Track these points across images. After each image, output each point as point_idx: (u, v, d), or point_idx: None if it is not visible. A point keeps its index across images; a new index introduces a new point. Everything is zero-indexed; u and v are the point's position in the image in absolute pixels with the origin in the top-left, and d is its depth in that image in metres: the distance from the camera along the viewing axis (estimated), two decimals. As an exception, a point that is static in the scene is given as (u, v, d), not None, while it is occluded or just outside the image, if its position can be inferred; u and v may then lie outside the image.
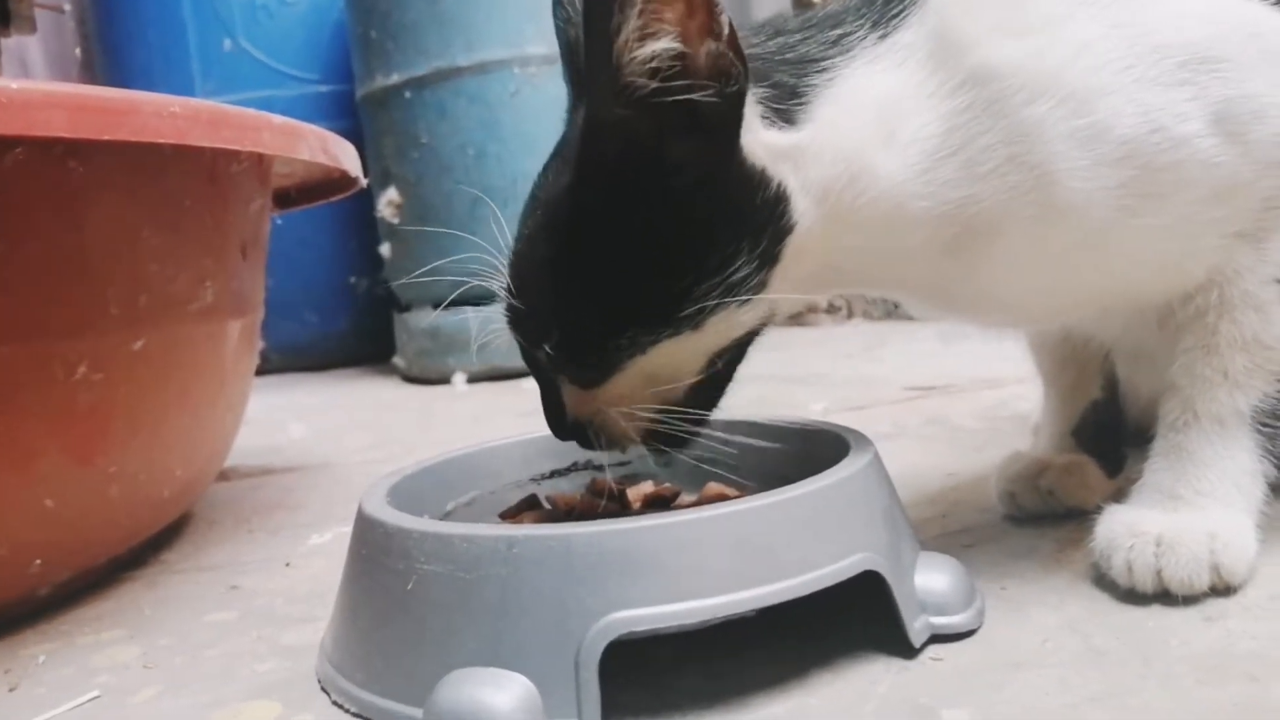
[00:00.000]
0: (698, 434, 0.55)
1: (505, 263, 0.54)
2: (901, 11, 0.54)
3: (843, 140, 0.52)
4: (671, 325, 0.51)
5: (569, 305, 0.52)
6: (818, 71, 0.53)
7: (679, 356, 0.52)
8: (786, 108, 0.52)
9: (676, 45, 0.46)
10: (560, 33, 0.58)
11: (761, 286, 0.52)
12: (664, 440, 0.55)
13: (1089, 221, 0.53)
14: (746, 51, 0.50)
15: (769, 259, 0.51)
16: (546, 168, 0.55)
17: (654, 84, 0.47)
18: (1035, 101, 0.51)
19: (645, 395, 0.53)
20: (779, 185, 0.51)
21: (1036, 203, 0.52)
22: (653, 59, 0.46)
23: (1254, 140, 0.52)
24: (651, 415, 0.54)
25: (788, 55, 0.53)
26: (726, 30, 0.47)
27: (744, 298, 0.51)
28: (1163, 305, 0.59)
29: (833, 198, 0.52)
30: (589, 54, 0.47)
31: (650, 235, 0.50)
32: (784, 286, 0.53)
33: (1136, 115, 0.51)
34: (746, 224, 0.50)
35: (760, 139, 0.51)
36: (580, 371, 0.53)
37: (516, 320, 0.55)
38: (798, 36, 0.55)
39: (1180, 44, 0.52)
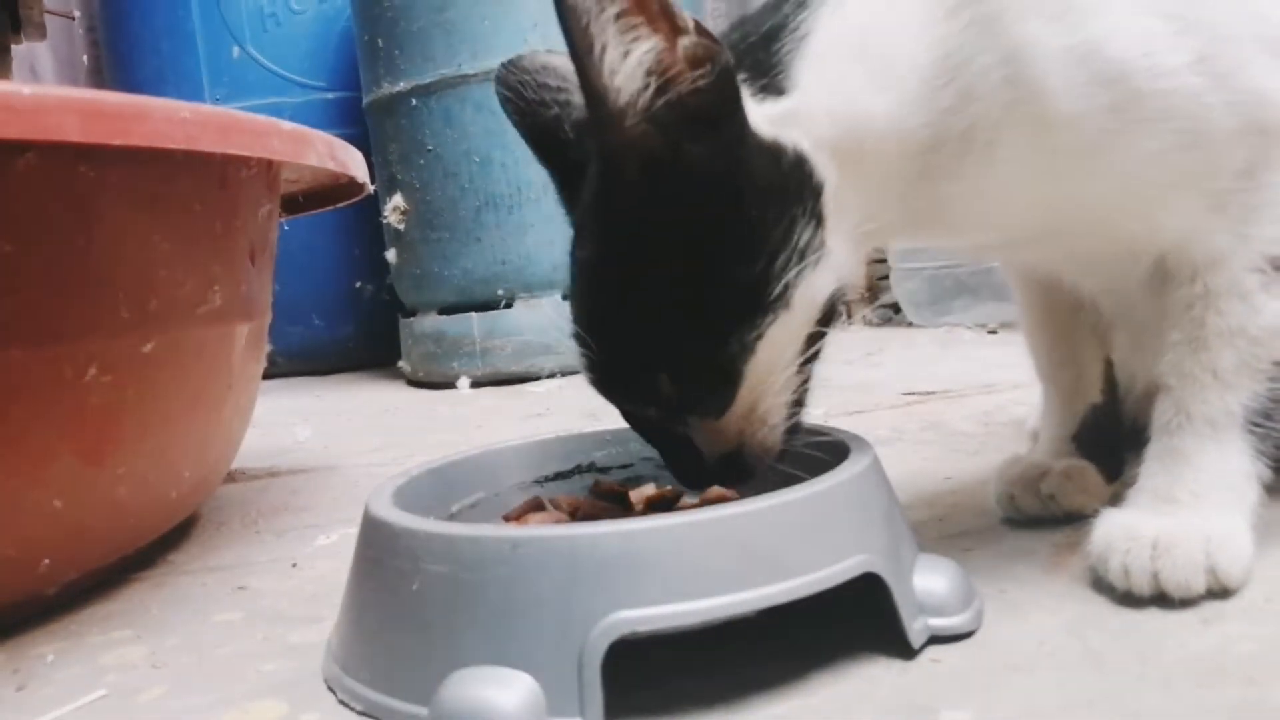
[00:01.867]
0: (799, 432, 0.55)
1: (579, 339, 0.54)
2: None
3: (830, 96, 0.53)
4: (769, 310, 0.51)
5: (670, 340, 0.51)
6: (786, 34, 0.53)
7: (784, 342, 0.52)
8: (770, 81, 0.53)
9: (656, 42, 0.47)
10: (519, 127, 0.60)
11: (822, 247, 0.52)
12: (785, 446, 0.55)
13: (1080, 138, 0.53)
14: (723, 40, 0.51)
15: (817, 218, 0.52)
16: (574, 245, 0.55)
17: (650, 87, 0.48)
18: (1027, 18, 0.52)
19: (769, 398, 0.53)
20: (795, 148, 0.52)
21: (1029, 117, 0.53)
22: (640, 65, 0.47)
23: (1237, 89, 0.53)
24: (785, 411, 0.54)
25: (755, 35, 0.54)
26: (691, 24, 0.48)
27: (814, 259, 0.52)
28: (1146, 255, 0.59)
29: (843, 150, 0.53)
30: (587, 88, 0.48)
31: (709, 235, 0.50)
32: (842, 247, 0.54)
33: (1129, 37, 0.52)
34: (785, 191, 0.51)
35: (758, 114, 0.52)
36: (708, 399, 0.53)
37: (616, 384, 0.54)
38: (764, 14, 0.56)
39: None
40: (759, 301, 0.51)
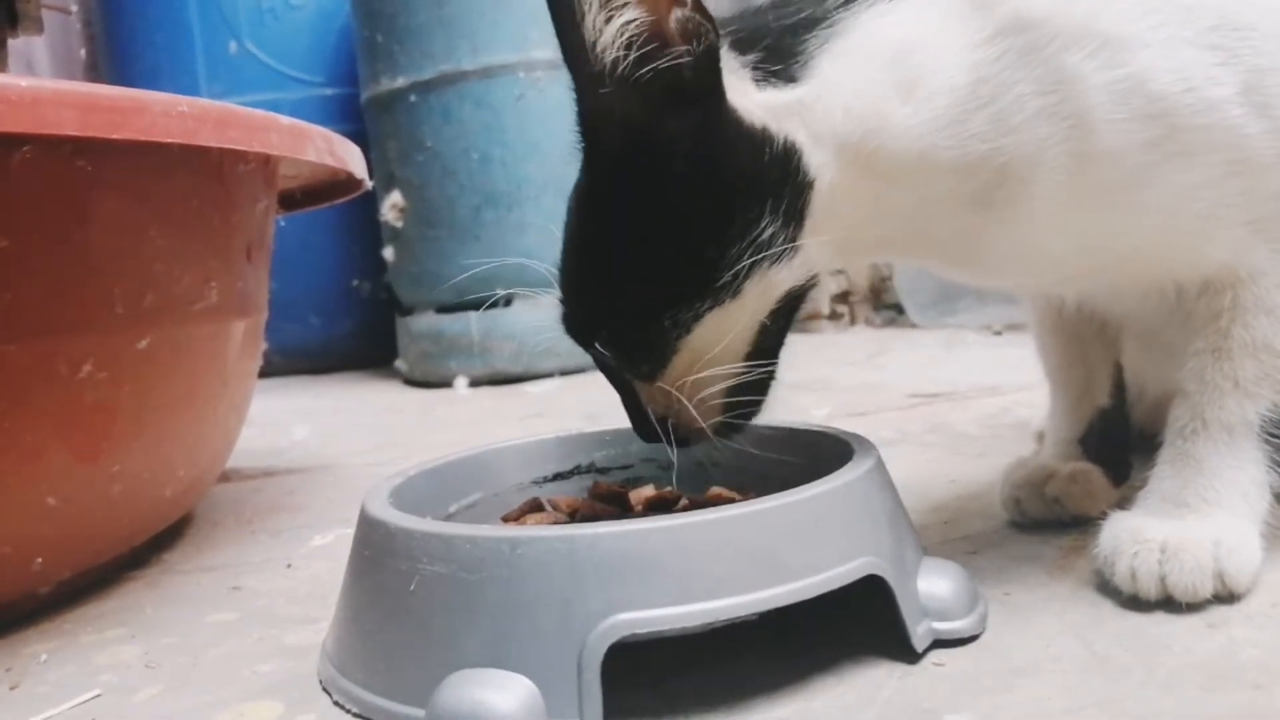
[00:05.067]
0: (760, 406, 0.55)
1: (555, 277, 0.56)
2: None
3: (851, 96, 0.51)
4: (710, 296, 0.51)
5: (610, 299, 0.53)
6: (820, 27, 0.53)
7: (726, 329, 0.52)
8: (784, 66, 0.52)
9: (641, 14, 0.47)
10: None
11: (792, 243, 0.52)
12: (734, 420, 0.55)
13: (1117, 173, 0.52)
14: (741, 19, 0.52)
15: (794, 215, 0.51)
16: (578, 180, 0.56)
17: (631, 56, 0.48)
18: (1069, 49, 0.50)
19: (705, 376, 0.53)
20: (786, 140, 0.51)
21: (1067, 152, 0.52)
22: (623, 33, 0.47)
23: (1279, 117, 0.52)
24: (721, 397, 0.54)
25: (787, 19, 0.53)
26: None
27: (776, 254, 0.51)
28: (1180, 286, 0.58)
29: (851, 150, 0.52)
30: (564, 45, 0.48)
31: (669, 211, 0.50)
32: (821, 248, 0.53)
33: (1171, 72, 0.51)
34: (761, 182, 0.51)
35: (755, 99, 0.51)
36: (636, 363, 0.54)
37: (569, 323, 0.56)
38: (807, 1, 0.55)
39: (1211, 7, 0.51)
40: (705, 285, 0.51)
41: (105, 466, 0.71)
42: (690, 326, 0.51)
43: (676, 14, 0.48)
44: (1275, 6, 0.53)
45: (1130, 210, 0.54)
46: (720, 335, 0.52)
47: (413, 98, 1.87)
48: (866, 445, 0.58)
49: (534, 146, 1.82)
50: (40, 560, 0.68)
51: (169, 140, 0.64)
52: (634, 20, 0.47)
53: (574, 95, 0.51)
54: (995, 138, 0.51)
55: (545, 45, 1.80)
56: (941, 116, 0.51)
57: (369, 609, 0.52)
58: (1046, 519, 0.70)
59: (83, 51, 2.51)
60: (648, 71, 0.48)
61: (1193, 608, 0.54)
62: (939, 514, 0.76)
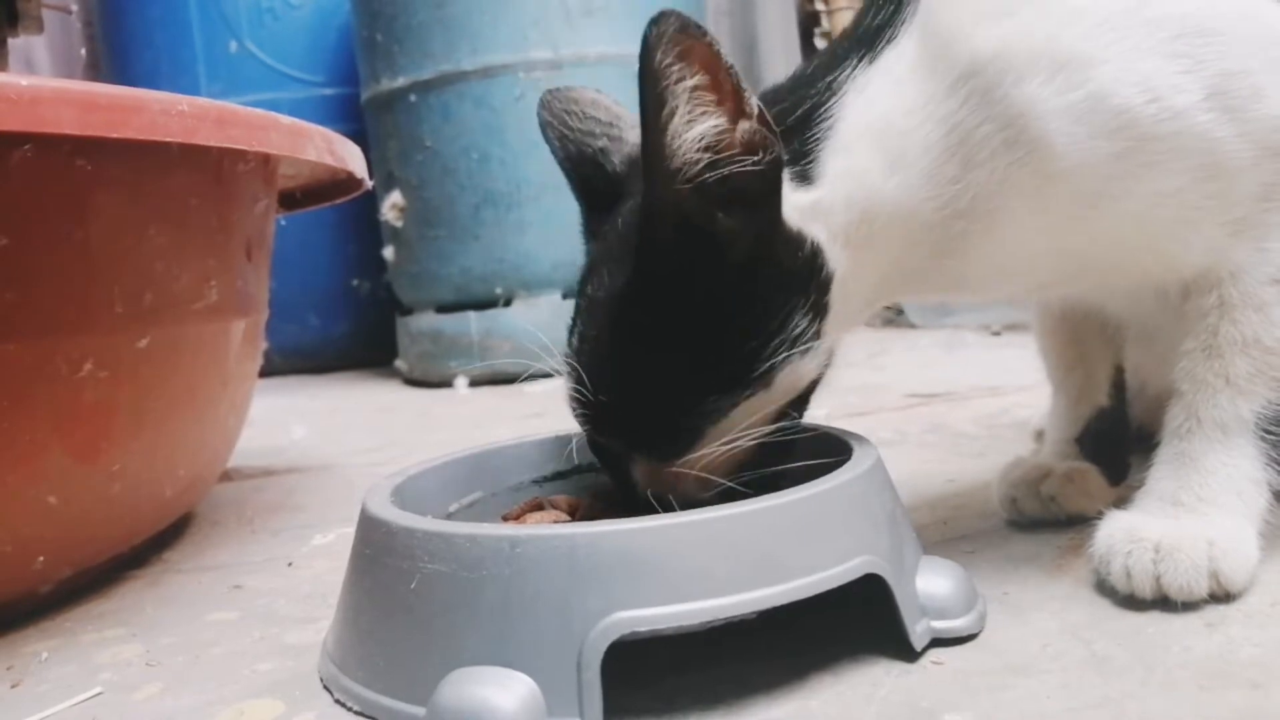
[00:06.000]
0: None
1: (570, 366, 0.56)
2: (890, 33, 0.56)
3: (852, 186, 0.55)
4: (747, 386, 0.53)
5: (649, 386, 0.54)
6: (817, 123, 0.55)
7: (751, 416, 0.54)
8: (801, 168, 0.55)
9: (721, 122, 0.50)
10: (558, 152, 0.63)
11: (818, 336, 0.55)
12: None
13: (1086, 187, 0.54)
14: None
15: (820, 309, 0.55)
16: (590, 276, 0.58)
17: (706, 158, 0.50)
18: (1025, 80, 0.52)
19: (722, 459, 0.55)
20: (812, 241, 0.54)
21: (1033, 173, 0.54)
22: (701, 139, 0.50)
23: (1251, 119, 0.53)
24: (725, 473, 0.55)
25: (791, 117, 0.56)
26: (756, 110, 0.51)
27: (805, 348, 0.54)
28: (1162, 288, 0.59)
29: (855, 238, 0.55)
30: (647, 144, 0.50)
31: (716, 305, 0.53)
32: (836, 329, 0.56)
33: (1133, 85, 0.52)
34: (796, 281, 0.54)
35: (790, 202, 0.54)
36: (663, 448, 0.55)
37: (595, 416, 0.56)
38: (798, 90, 0.57)
39: (1175, 16, 0.53)
40: (742, 376, 0.53)
41: (105, 465, 0.71)
42: (726, 413, 0.53)
43: (743, 125, 0.51)
44: (1243, 12, 0.54)
45: (1104, 219, 0.55)
46: (746, 422, 0.54)
47: (412, 97, 1.87)
48: (866, 444, 0.58)
49: (534, 146, 1.79)
50: (41, 559, 0.68)
51: (168, 139, 0.64)
52: (712, 127, 0.50)
53: (642, 191, 0.53)
54: (965, 175, 0.54)
55: (545, 45, 1.80)
56: (923, 174, 0.54)
57: (369, 607, 0.52)
58: (1043, 518, 0.70)
59: (83, 51, 2.51)
60: (716, 177, 0.51)
61: (1190, 607, 0.54)
62: (937, 513, 0.76)
